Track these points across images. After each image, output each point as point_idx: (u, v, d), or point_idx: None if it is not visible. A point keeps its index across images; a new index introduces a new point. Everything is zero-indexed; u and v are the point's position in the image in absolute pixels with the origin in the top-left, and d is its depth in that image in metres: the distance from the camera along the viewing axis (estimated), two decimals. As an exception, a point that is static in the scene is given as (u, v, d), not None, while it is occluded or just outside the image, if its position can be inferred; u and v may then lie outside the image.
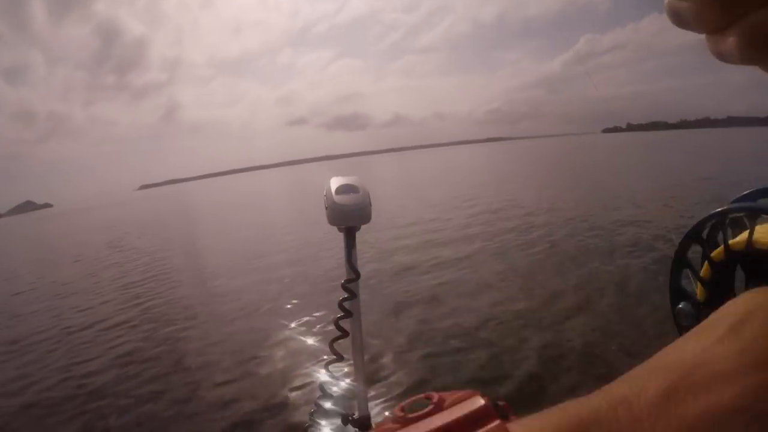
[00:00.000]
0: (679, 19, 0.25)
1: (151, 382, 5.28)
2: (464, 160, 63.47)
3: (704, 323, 0.32)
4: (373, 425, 1.25)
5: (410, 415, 0.28)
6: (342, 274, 1.10)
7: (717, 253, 0.45)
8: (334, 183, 1.19)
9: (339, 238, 1.16)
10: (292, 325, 6.29)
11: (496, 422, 0.26)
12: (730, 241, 0.43)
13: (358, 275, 1.14)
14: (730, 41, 0.24)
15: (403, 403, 0.30)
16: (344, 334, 1.14)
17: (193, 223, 25.35)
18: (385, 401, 4.18)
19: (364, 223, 1.15)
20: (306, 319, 6.38)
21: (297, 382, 4.80)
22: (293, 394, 4.57)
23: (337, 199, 1.14)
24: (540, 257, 7.99)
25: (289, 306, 7.11)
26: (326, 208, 1.15)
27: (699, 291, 0.47)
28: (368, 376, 4.44)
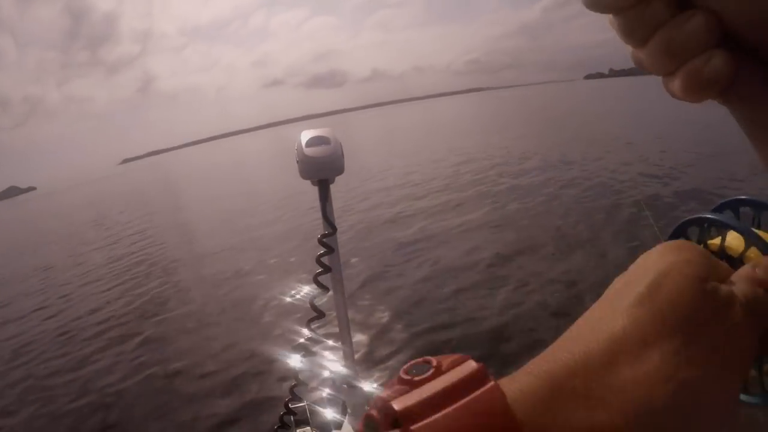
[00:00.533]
0: (640, 65, 0.32)
1: (143, 357, 5.31)
2: (450, 112, 62.69)
3: (623, 281, 0.35)
4: (362, 384, 1.24)
5: (416, 378, 0.29)
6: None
7: None
8: (305, 136, 1.14)
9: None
10: (284, 290, 6.28)
11: (491, 383, 0.28)
12: (709, 241, 0.47)
13: (334, 229, 1.11)
14: (676, 83, 0.30)
15: (405, 366, 0.30)
16: (324, 289, 1.11)
17: (178, 195, 25.09)
18: (373, 361, 4.21)
19: (337, 174, 1.11)
20: (297, 282, 6.38)
21: (283, 343, 4.83)
22: (278, 356, 4.61)
23: (308, 151, 1.10)
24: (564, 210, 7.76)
25: (280, 271, 7.10)
26: (297, 161, 1.11)
27: None
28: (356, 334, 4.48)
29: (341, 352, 1.22)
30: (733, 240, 0.46)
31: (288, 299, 5.90)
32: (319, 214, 1.10)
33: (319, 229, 1.11)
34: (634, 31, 0.31)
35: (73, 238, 16.25)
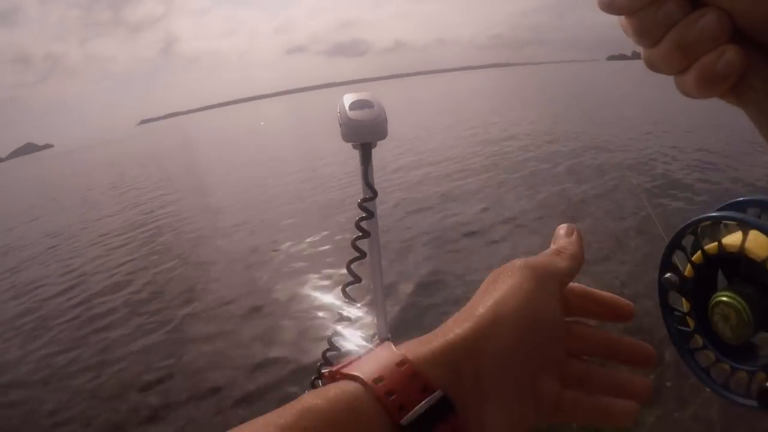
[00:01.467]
0: (653, 66, 0.34)
1: (166, 323, 5.37)
2: (475, 87, 61.69)
3: (487, 286, 0.47)
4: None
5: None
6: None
7: (696, 256, 0.50)
8: (348, 99, 1.13)
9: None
10: (316, 257, 6.28)
11: (385, 342, 0.42)
12: (706, 247, 0.49)
13: (375, 194, 1.09)
14: (689, 79, 0.32)
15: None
16: (362, 255, 1.10)
17: (198, 158, 25.10)
18: (405, 323, 4.22)
19: (380, 138, 1.09)
20: (326, 246, 6.37)
21: (314, 308, 4.85)
22: (310, 320, 4.62)
23: (352, 114, 1.09)
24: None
25: (307, 237, 7.08)
26: (340, 124, 1.10)
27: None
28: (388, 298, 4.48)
29: (375, 319, 1.21)
30: (756, 240, 0.44)
31: (321, 267, 5.88)
32: (354, 180, 1.08)
33: (351, 196, 1.10)
34: (648, 32, 0.33)
35: (88, 200, 16.31)
